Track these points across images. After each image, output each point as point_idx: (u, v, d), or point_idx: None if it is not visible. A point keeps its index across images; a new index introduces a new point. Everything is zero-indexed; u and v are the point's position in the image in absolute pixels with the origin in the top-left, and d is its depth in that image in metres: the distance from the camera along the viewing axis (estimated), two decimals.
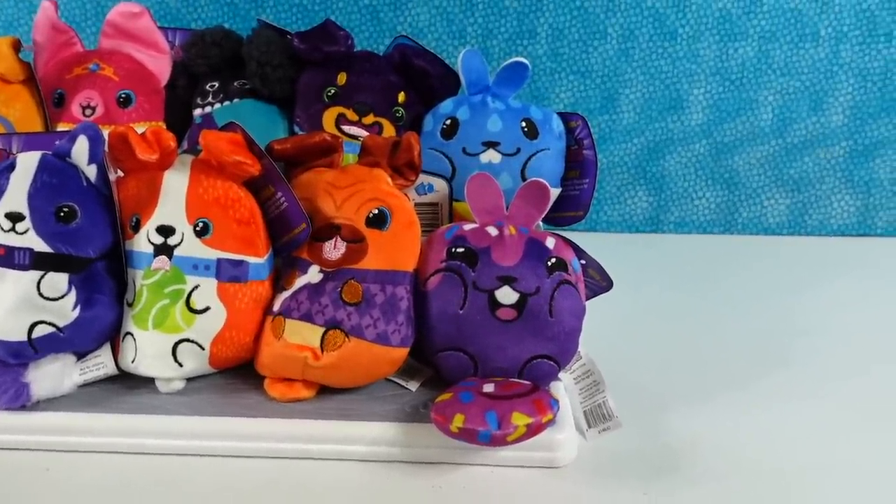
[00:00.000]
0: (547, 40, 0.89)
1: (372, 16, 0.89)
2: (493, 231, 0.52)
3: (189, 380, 0.54)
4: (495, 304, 0.50)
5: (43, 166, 0.51)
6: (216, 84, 0.65)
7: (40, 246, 0.49)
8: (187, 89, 0.67)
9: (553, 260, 0.51)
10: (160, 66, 0.66)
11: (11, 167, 0.51)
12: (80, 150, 0.51)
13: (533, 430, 0.45)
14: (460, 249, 0.51)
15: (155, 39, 0.66)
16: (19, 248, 0.49)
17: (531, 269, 0.50)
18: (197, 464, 0.50)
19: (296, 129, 0.64)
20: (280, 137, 0.63)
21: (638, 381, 0.60)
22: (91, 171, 0.51)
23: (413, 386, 0.55)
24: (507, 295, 0.50)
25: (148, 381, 0.54)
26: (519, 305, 0.50)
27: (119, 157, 0.53)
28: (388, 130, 0.63)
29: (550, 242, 0.52)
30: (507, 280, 0.50)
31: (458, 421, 0.45)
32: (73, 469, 0.49)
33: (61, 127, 0.63)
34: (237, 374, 0.56)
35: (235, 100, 0.64)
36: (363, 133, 0.62)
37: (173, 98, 0.67)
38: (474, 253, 0.51)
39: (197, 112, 0.65)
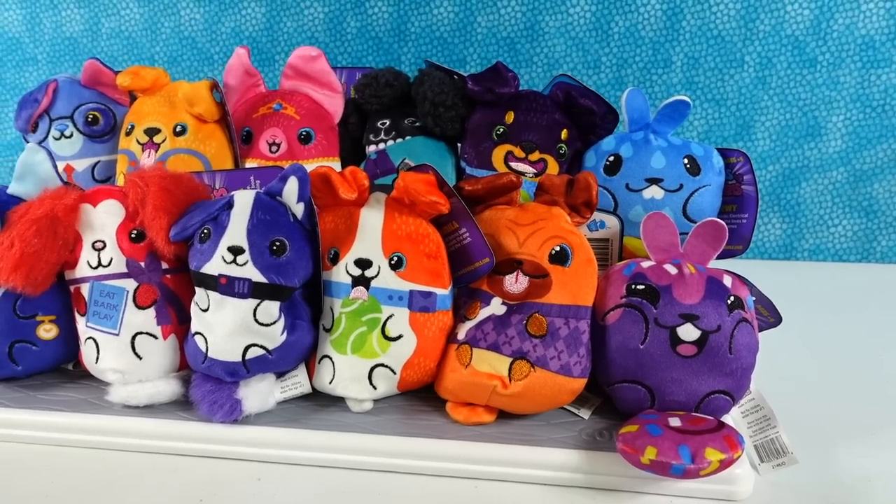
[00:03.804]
0: (682, 69, 0.90)
1: (509, 47, 0.92)
2: (672, 269, 0.54)
3: (374, 400, 0.59)
4: (676, 341, 0.52)
5: (258, 204, 0.56)
6: (387, 122, 0.70)
7: (257, 277, 0.54)
8: (358, 126, 0.72)
9: (732, 298, 0.53)
10: (334, 104, 0.71)
11: (230, 205, 0.56)
12: (291, 190, 0.56)
13: (724, 466, 0.47)
14: (640, 286, 0.54)
15: (330, 80, 0.71)
16: (239, 279, 0.54)
17: (713, 308, 0.52)
18: (390, 481, 0.54)
19: (462, 164, 0.68)
20: (448, 173, 0.68)
21: (802, 413, 0.60)
22: (299, 209, 0.56)
23: (585, 414, 0.57)
24: (688, 332, 0.52)
25: (337, 401, 0.59)
26: (700, 342, 0.52)
27: (318, 195, 0.58)
28: (553, 166, 0.66)
29: (728, 280, 0.54)
30: (690, 318, 0.52)
31: (650, 453, 0.47)
32: (281, 480, 0.54)
33: (250, 163, 0.69)
34: (416, 397, 0.60)
35: (407, 137, 0.68)
36: (530, 169, 0.65)
37: (344, 134, 0.72)
38: (655, 290, 0.53)
39: (371, 148, 0.69)
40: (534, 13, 0.90)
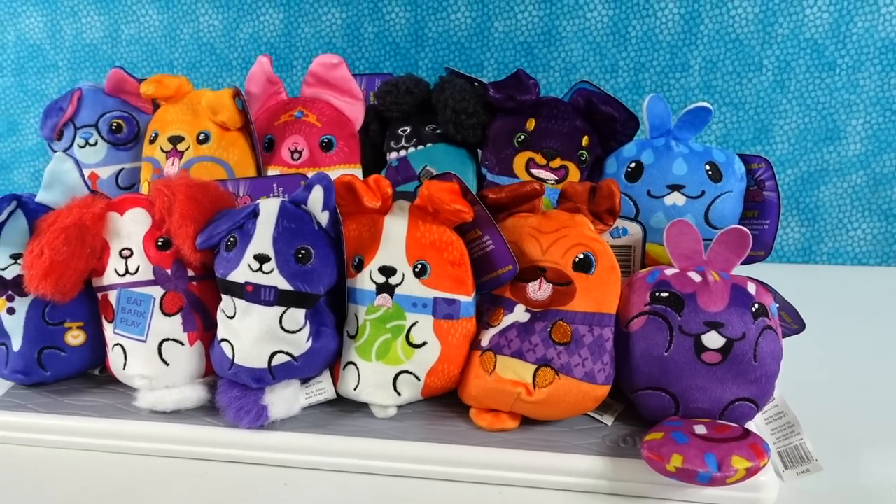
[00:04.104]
0: (700, 73, 0.90)
1: (526, 52, 0.93)
2: (696, 277, 0.54)
3: (398, 406, 0.59)
4: (701, 348, 0.52)
5: (283, 213, 0.56)
6: (408, 129, 0.70)
7: (283, 284, 0.55)
8: (378, 133, 0.73)
9: (756, 306, 0.53)
10: (355, 111, 0.72)
11: (255, 213, 0.57)
12: (316, 199, 0.56)
13: (750, 474, 0.47)
14: (664, 294, 0.54)
15: (350, 87, 0.72)
16: (265, 286, 0.55)
17: (738, 316, 0.52)
18: (415, 486, 0.54)
19: (483, 171, 0.68)
20: (469, 180, 0.68)
21: (824, 420, 0.60)
22: (323, 217, 0.57)
23: (608, 420, 0.58)
24: (713, 339, 0.52)
25: (361, 407, 0.59)
26: (724, 350, 0.52)
27: (342, 203, 0.58)
28: (574, 173, 0.66)
29: (752, 288, 0.54)
30: (715, 325, 0.52)
31: (675, 461, 0.48)
32: (307, 485, 0.55)
33: (272, 170, 0.70)
34: (439, 402, 0.60)
35: (428, 144, 0.69)
36: (551, 176, 0.65)
37: (365, 141, 0.73)
38: (679, 298, 0.53)
39: (392, 155, 0.70)
40: (551, 18, 0.90)
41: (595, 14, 0.90)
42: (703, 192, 0.63)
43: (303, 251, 0.56)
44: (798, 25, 0.87)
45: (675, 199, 0.63)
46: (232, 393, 0.57)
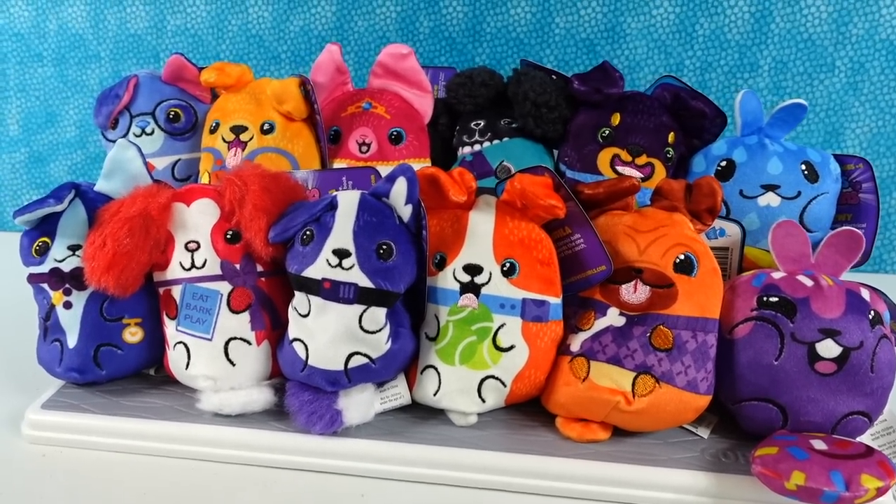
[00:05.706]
0: (770, 73, 0.87)
1: (588, 49, 0.90)
2: (807, 281, 0.51)
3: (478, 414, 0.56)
4: (815, 357, 0.49)
5: (364, 205, 0.53)
6: (481, 122, 0.67)
7: (363, 281, 0.51)
8: (448, 127, 0.69)
9: (873, 313, 0.50)
10: (424, 104, 0.69)
11: (333, 206, 0.54)
12: (399, 192, 0.53)
13: (880, 494, 0.44)
14: (774, 299, 0.50)
15: (419, 79, 0.68)
16: (345, 283, 0.51)
17: (855, 323, 0.49)
18: (503, 499, 0.51)
19: (562, 167, 0.65)
20: None
21: None
22: (406, 211, 0.53)
23: (704, 433, 0.54)
24: (828, 348, 0.49)
25: (437, 413, 0.56)
26: (840, 359, 0.48)
27: (423, 197, 0.55)
28: (660, 171, 0.63)
29: (866, 294, 0.51)
30: (831, 333, 0.49)
31: (797, 478, 0.44)
32: (386, 496, 0.51)
33: (338, 163, 0.67)
34: (518, 410, 0.57)
35: (505, 138, 0.66)
36: (636, 174, 0.62)
37: (434, 135, 0.69)
38: (791, 303, 0.50)
39: (466, 150, 0.67)
40: (615, 14, 0.87)
41: (661, 11, 0.87)
42: (798, 193, 0.60)
43: (384, 246, 0.52)
44: (873, 25, 0.84)
45: (770, 199, 0.60)
46: (303, 396, 0.54)
